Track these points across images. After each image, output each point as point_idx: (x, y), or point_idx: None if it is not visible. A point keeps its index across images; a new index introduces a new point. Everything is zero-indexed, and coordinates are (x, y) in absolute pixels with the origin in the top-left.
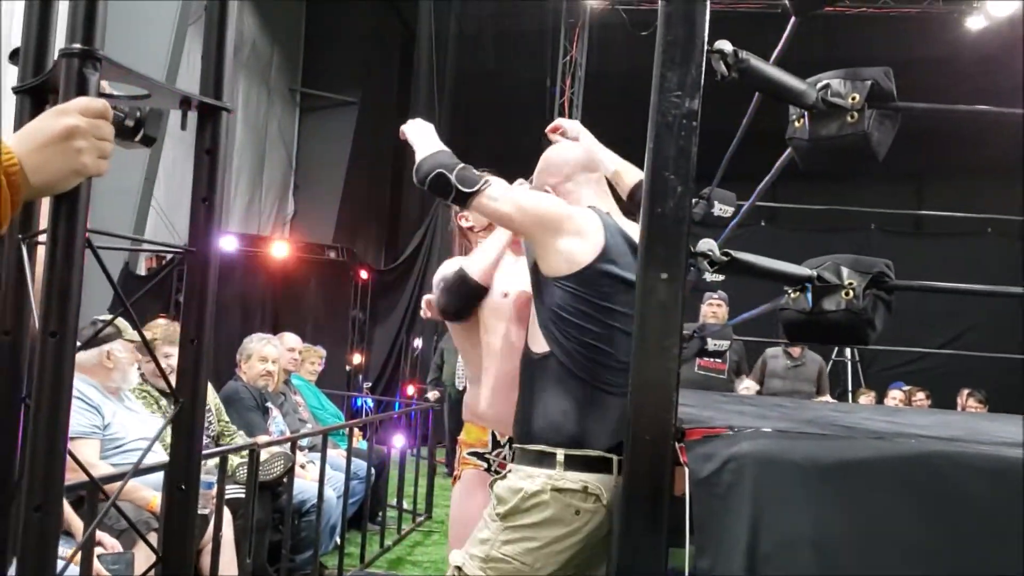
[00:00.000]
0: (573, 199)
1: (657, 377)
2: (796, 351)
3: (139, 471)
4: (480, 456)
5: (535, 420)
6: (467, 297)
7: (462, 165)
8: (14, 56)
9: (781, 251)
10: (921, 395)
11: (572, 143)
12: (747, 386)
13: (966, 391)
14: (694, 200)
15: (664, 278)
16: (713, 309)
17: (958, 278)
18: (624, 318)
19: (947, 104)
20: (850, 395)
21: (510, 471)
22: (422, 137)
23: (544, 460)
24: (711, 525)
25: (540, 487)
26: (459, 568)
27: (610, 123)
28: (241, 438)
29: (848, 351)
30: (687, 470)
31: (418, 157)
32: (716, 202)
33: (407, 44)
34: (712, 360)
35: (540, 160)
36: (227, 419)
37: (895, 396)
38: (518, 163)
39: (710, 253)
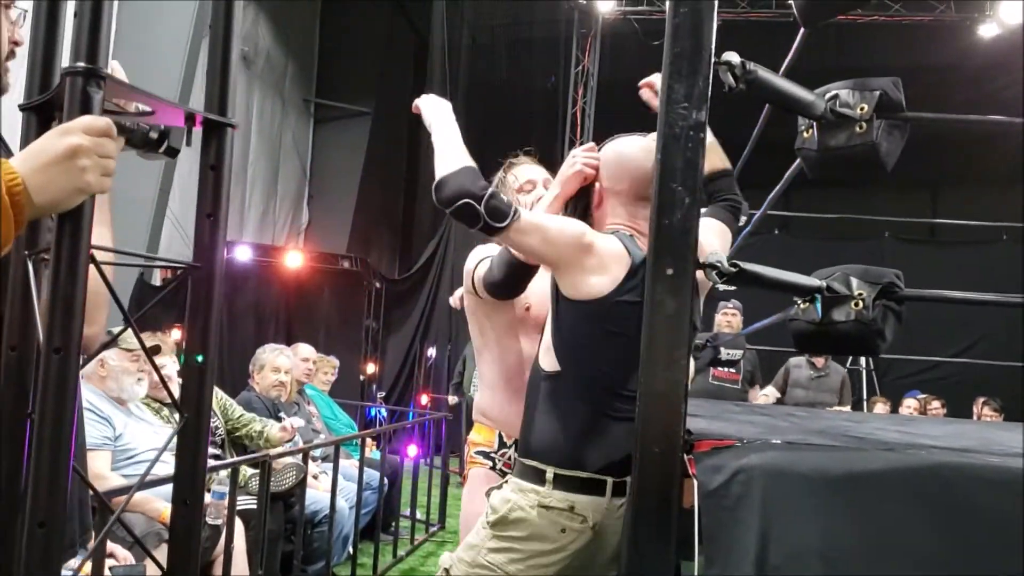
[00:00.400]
0: (606, 213)
1: (665, 389)
2: (820, 361)
3: (146, 484)
4: (487, 456)
5: (533, 436)
6: (516, 273)
7: (490, 192)
8: None
9: (795, 259)
10: (936, 403)
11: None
12: (766, 393)
13: (981, 399)
14: (707, 209)
15: (672, 290)
16: (728, 318)
17: (973, 286)
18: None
19: (959, 112)
20: (865, 404)
21: (507, 481)
22: (440, 125)
23: (536, 476)
24: (720, 537)
25: (528, 502)
26: (447, 570)
27: (623, 131)
28: (259, 423)
29: (863, 360)
30: (696, 482)
31: (438, 166)
32: None
33: (420, 54)
34: (726, 370)
35: (614, 145)
36: (239, 413)
37: (910, 405)
38: None
39: (718, 264)
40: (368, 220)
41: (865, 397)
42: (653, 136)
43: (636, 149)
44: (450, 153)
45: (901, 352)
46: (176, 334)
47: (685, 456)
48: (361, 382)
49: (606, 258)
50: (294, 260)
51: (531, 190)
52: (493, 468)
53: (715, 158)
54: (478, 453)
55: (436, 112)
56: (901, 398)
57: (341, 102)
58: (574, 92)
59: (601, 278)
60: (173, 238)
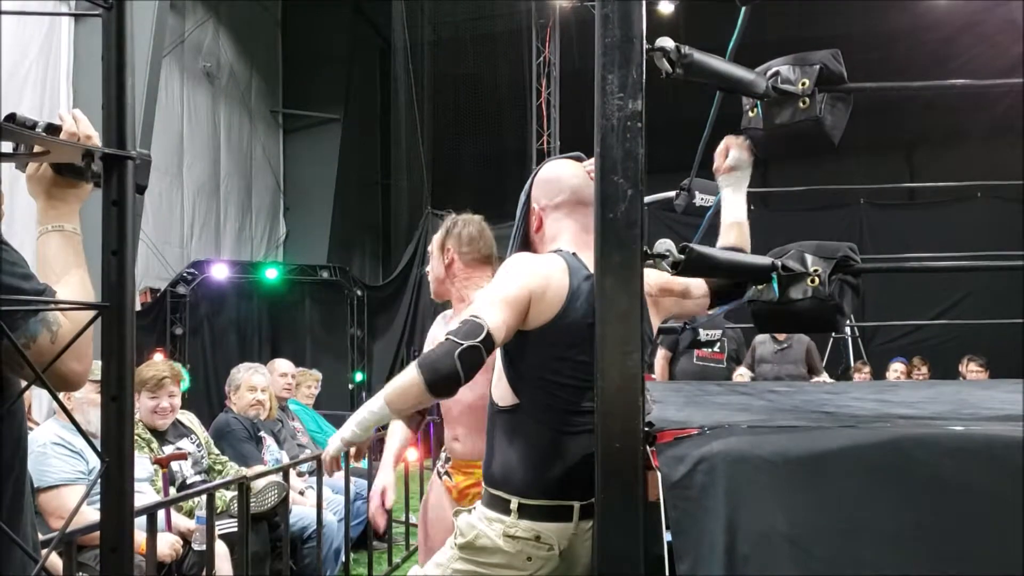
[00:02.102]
0: (551, 230)
1: (621, 384)
2: (781, 335)
3: (74, 531)
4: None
5: (496, 466)
6: None
7: (452, 334)
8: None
9: (773, 234)
10: (924, 368)
11: (574, 163)
12: (740, 373)
13: (967, 358)
14: (675, 192)
15: (621, 284)
16: None
17: (952, 246)
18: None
19: (922, 75)
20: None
21: (475, 507)
22: (364, 416)
23: (501, 506)
24: (688, 529)
25: (494, 531)
26: None
27: (590, 120)
28: (233, 468)
29: (848, 327)
30: (659, 474)
31: (413, 391)
32: (697, 192)
33: (384, 55)
34: (708, 350)
35: (540, 170)
36: (217, 451)
37: (896, 369)
38: (504, 164)
39: (667, 254)
40: (347, 226)
41: (852, 364)
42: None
43: (560, 162)
44: (395, 386)
45: (886, 314)
46: (158, 357)
47: (648, 448)
48: (350, 390)
49: (548, 279)
50: (272, 274)
51: None
52: (438, 474)
53: (732, 237)
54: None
55: (352, 425)
56: (887, 363)
57: (309, 110)
58: (538, 84)
59: (546, 300)
60: (150, 260)
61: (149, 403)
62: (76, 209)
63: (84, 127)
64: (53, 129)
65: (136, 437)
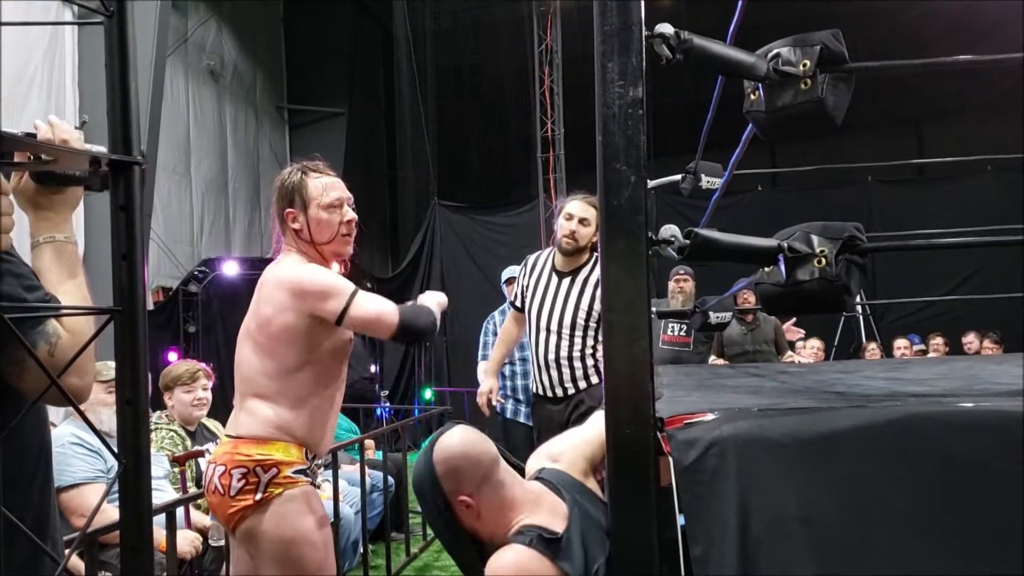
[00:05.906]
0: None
1: (630, 369)
2: (749, 315)
3: (97, 531)
4: (304, 472)
5: None
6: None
7: None
8: None
9: (781, 213)
10: (939, 340)
11: None
12: (712, 360)
13: (981, 333)
14: (681, 175)
15: (627, 270)
16: (680, 285)
17: (963, 220)
18: None
19: (934, 45)
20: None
21: None
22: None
23: None
24: (700, 513)
25: None
26: None
27: (594, 106)
28: None
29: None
30: (671, 459)
31: None
32: (703, 175)
33: (388, 48)
34: (676, 334)
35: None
36: None
37: (900, 346)
38: (509, 153)
39: (673, 239)
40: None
41: (864, 342)
42: None
43: None
44: None
45: (898, 291)
46: (172, 357)
47: (659, 434)
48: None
49: None
50: None
51: (340, 206)
52: (313, 484)
53: None
54: (296, 472)
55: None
56: (900, 340)
57: (314, 105)
58: (540, 71)
59: None
60: (161, 259)
61: (186, 396)
62: (68, 217)
63: (59, 132)
64: (27, 137)
65: (172, 434)
